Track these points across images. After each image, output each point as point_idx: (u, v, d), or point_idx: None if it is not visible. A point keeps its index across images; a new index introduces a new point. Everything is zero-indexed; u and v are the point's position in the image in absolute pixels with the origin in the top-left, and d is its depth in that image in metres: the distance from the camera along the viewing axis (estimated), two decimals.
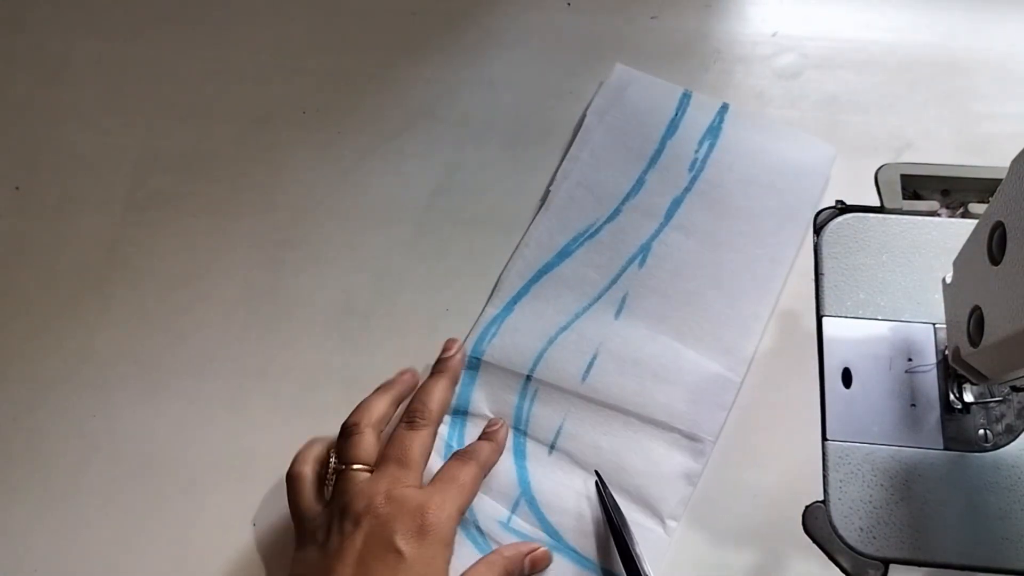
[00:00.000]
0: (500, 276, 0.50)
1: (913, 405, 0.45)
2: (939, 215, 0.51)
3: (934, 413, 0.45)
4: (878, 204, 0.51)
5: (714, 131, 0.52)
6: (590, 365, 0.46)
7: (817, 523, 0.43)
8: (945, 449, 0.44)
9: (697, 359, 0.46)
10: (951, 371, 0.45)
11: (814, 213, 0.50)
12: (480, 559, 0.41)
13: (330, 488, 0.41)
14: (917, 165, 0.52)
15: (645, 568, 0.40)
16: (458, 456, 0.43)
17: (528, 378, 0.47)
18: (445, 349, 0.47)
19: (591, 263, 0.49)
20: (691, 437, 0.44)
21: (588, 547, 0.42)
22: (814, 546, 0.42)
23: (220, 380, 0.48)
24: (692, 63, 0.57)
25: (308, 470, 0.42)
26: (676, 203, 0.50)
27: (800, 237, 0.49)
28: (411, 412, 0.43)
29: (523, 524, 0.43)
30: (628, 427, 0.45)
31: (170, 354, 0.49)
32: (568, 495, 0.44)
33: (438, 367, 0.46)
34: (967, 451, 0.44)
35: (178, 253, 0.52)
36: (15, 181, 0.56)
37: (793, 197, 0.50)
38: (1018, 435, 0.44)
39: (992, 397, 0.44)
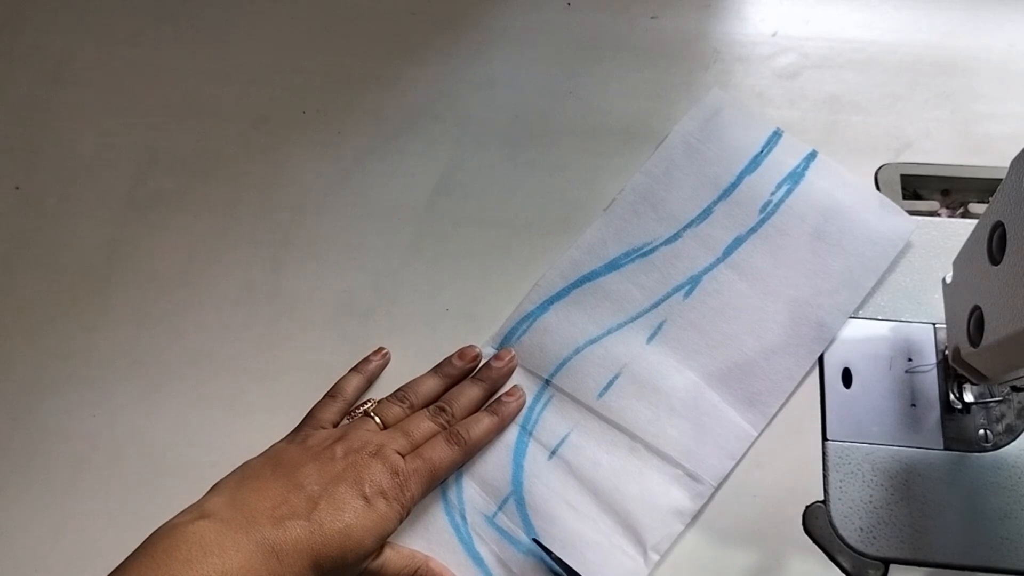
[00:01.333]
0: (544, 273, 0.50)
1: (913, 405, 0.45)
2: (939, 215, 0.51)
3: (934, 413, 0.45)
4: None
5: (796, 176, 0.50)
6: (610, 383, 0.46)
7: (817, 523, 0.43)
8: (945, 449, 0.44)
9: (718, 403, 0.45)
10: (951, 371, 0.45)
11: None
12: (412, 553, 0.42)
13: (350, 420, 0.45)
14: (917, 165, 0.52)
15: None
16: (447, 435, 0.43)
17: (547, 382, 0.47)
18: (498, 358, 0.47)
19: (637, 282, 0.49)
20: (693, 477, 0.44)
21: (566, 558, 0.42)
22: (814, 546, 0.42)
23: (220, 380, 0.48)
24: (692, 63, 0.57)
25: (345, 397, 0.46)
26: (738, 241, 0.49)
27: (855, 305, 0.47)
28: (439, 408, 0.45)
29: (507, 522, 0.43)
30: (633, 452, 0.45)
31: (170, 354, 0.49)
32: (556, 503, 0.43)
33: (483, 375, 0.46)
34: (967, 451, 0.44)
35: (178, 253, 0.52)
36: (15, 181, 0.56)
37: (859, 263, 0.48)
38: (1018, 435, 0.44)
39: (992, 397, 0.44)
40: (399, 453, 0.42)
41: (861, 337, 0.47)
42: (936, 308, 0.46)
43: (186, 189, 0.55)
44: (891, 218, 0.49)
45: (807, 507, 0.43)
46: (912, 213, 0.50)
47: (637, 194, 0.51)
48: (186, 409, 0.48)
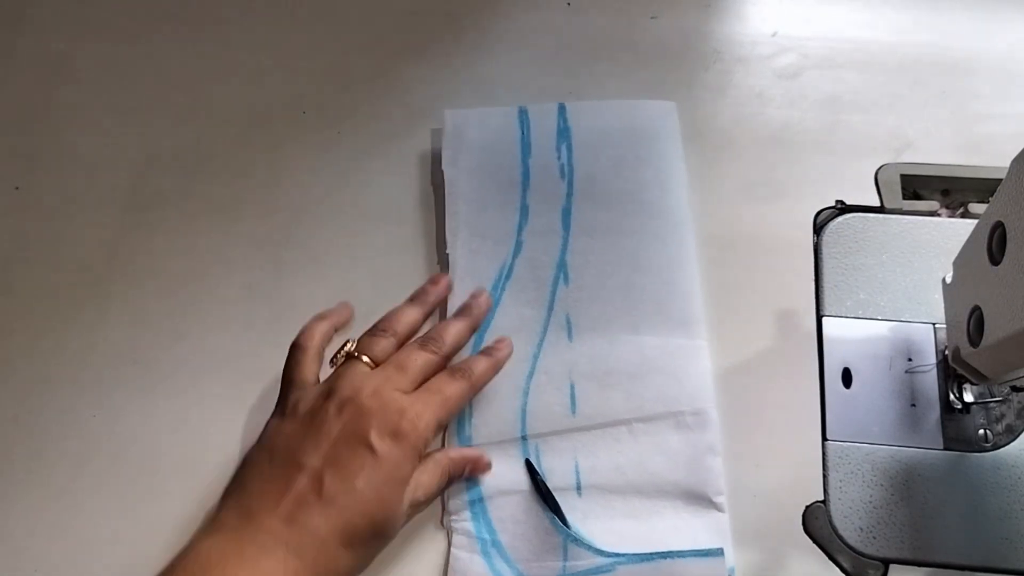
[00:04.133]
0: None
1: (913, 405, 0.45)
2: (939, 215, 0.51)
3: (934, 413, 0.45)
4: (878, 204, 0.51)
5: (564, 133, 0.53)
6: (572, 397, 0.46)
7: (817, 523, 0.43)
8: (945, 449, 0.44)
9: (659, 342, 0.47)
10: (951, 371, 0.45)
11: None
12: (429, 457, 0.41)
13: (333, 367, 0.43)
14: (917, 165, 0.52)
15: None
16: (450, 370, 0.43)
17: (524, 439, 0.46)
18: (475, 296, 0.47)
19: (520, 301, 0.49)
20: (694, 413, 0.44)
21: (655, 562, 0.40)
22: (814, 546, 0.42)
23: (220, 380, 0.48)
24: (692, 63, 0.57)
25: (313, 344, 0.44)
26: (567, 212, 0.50)
27: (685, 194, 0.51)
28: (426, 338, 0.44)
29: (579, 564, 0.41)
30: (634, 434, 0.45)
31: (170, 354, 0.49)
32: (616, 523, 0.43)
33: (463, 312, 0.47)
34: (967, 451, 0.44)
35: (178, 253, 0.52)
36: (15, 181, 0.56)
37: (661, 160, 0.51)
38: (1018, 435, 0.44)
39: (992, 397, 0.44)
40: (400, 391, 0.40)
41: (861, 337, 0.47)
42: (936, 308, 0.46)
43: (186, 189, 0.55)
44: (653, 109, 0.53)
45: (807, 507, 0.43)
46: (912, 213, 0.50)
47: (460, 237, 0.51)
48: (186, 409, 0.48)
